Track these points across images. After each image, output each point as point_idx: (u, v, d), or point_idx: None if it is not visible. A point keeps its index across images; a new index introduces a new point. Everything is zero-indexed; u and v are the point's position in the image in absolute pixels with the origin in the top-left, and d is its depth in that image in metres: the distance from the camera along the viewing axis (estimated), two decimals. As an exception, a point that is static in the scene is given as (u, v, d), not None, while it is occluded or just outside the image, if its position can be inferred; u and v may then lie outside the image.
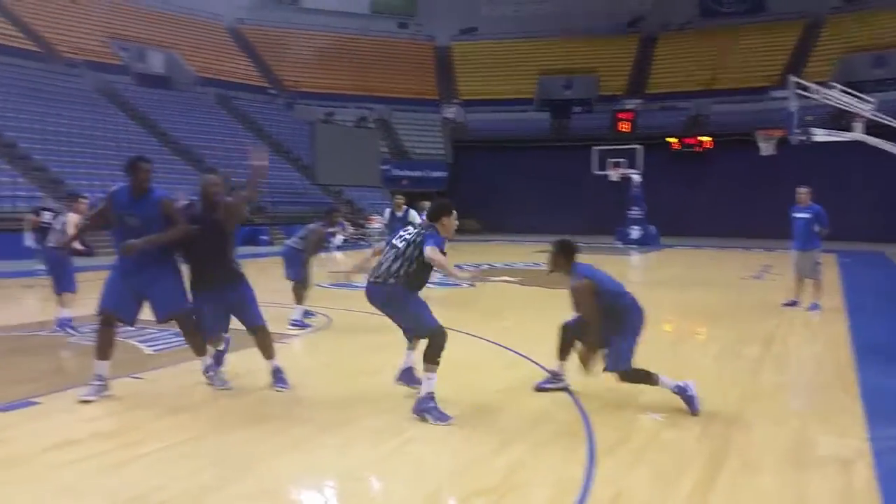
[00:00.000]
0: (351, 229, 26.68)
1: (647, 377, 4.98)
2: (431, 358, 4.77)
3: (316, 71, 37.86)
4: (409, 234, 5.03)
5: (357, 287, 12.92)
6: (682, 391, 4.90)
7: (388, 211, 11.47)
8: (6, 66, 26.88)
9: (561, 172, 31.19)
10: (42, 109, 25.30)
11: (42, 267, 9.64)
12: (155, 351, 6.92)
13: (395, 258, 4.87)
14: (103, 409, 4.90)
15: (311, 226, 8.82)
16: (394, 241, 5.08)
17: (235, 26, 40.06)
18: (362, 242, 26.90)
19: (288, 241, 9.00)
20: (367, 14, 42.41)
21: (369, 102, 36.96)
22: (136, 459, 4.01)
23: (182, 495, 3.52)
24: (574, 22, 39.12)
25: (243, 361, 6.44)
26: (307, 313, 8.59)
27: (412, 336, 5.22)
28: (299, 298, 8.43)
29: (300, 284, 8.43)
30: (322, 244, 8.84)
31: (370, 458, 4.06)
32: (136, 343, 7.17)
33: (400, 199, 11.21)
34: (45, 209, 13.19)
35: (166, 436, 4.35)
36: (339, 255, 22.53)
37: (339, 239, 25.24)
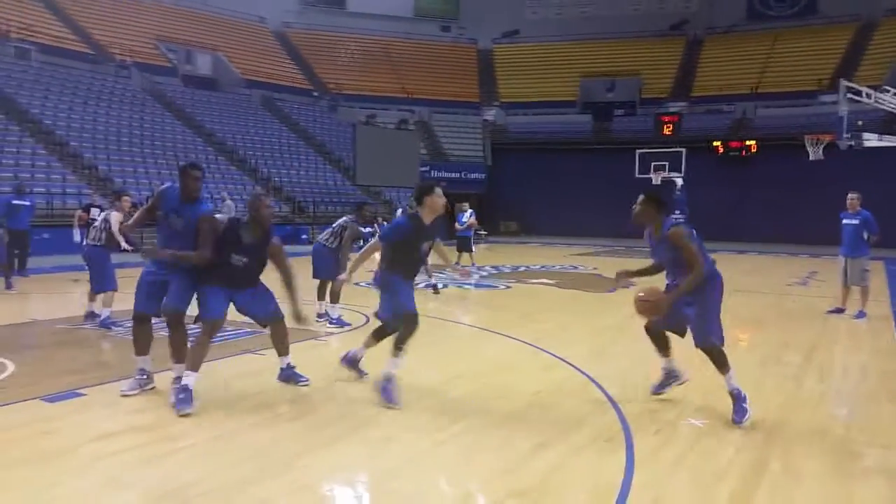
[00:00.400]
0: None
1: (725, 363, 4.81)
2: (399, 343, 5.12)
3: (359, 74, 38.22)
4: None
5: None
6: (739, 396, 4.76)
7: (399, 211, 11.90)
8: (60, 67, 27.77)
9: (602, 175, 30.89)
10: (92, 109, 26.08)
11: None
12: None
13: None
14: (144, 403, 5.00)
15: (341, 221, 8.66)
16: None
17: (281, 30, 40.73)
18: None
19: (319, 239, 8.80)
20: (411, 17, 42.70)
21: (410, 105, 37.20)
22: (175, 452, 4.08)
23: (219, 489, 3.57)
24: (617, 24, 38.81)
25: (293, 356, 6.51)
26: (321, 315, 8.47)
27: (391, 323, 5.43)
28: (336, 297, 8.33)
29: (336, 283, 8.03)
30: (358, 240, 8.59)
31: (405, 458, 4.07)
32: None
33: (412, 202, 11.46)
34: (93, 206, 13.54)
35: (204, 430, 4.42)
36: (376, 254, 22.67)
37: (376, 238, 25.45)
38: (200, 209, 5.12)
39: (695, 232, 5.03)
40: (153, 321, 5.27)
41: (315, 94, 37.70)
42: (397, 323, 5.27)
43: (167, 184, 5.44)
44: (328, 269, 8.21)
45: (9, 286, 11.60)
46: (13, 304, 10.49)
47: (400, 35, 41.44)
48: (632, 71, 37.06)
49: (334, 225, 8.63)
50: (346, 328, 8.20)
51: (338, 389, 5.53)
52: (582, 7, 41.05)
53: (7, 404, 4.89)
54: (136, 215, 5.72)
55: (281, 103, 35.08)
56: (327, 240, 8.46)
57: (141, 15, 34.27)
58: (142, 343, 5.23)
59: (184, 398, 4.73)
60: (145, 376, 5.23)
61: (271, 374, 5.67)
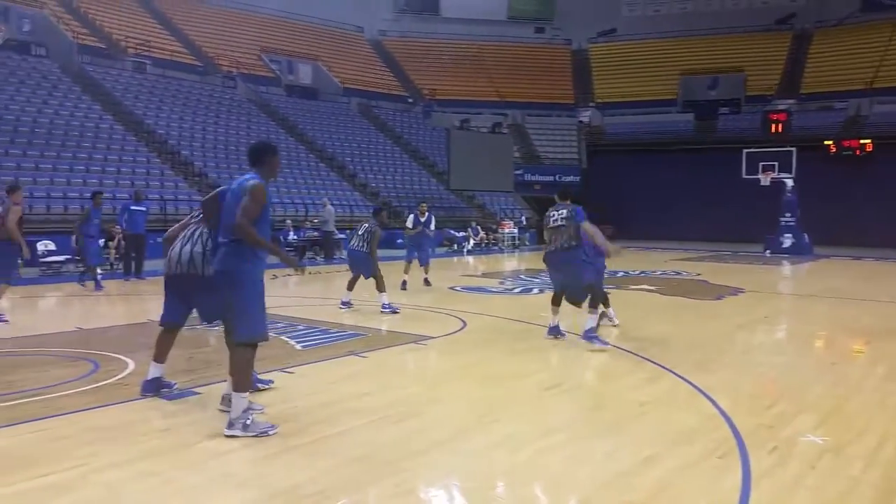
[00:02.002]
0: (482, 234, 26.88)
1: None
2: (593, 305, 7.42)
3: (453, 79, 38.52)
4: None
5: (490, 291, 13.00)
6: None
7: (412, 217, 13.36)
8: (172, 79, 29.42)
9: (705, 177, 29.77)
10: (202, 119, 27.46)
11: None
12: (303, 347, 7.25)
13: None
14: (258, 401, 5.14)
15: (367, 227, 10.00)
16: None
17: (377, 38, 41.66)
18: (494, 247, 27.01)
19: (352, 246, 10.20)
20: (505, 20, 42.68)
21: (504, 108, 37.13)
22: (288, 451, 4.18)
23: (330, 488, 3.64)
24: (718, 20, 37.40)
25: (385, 359, 6.63)
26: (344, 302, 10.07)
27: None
28: (382, 286, 9.73)
29: (378, 278, 9.71)
30: (379, 241, 10.05)
31: (509, 465, 4.02)
32: (287, 339, 7.56)
33: (424, 206, 13.49)
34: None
35: (315, 429, 4.52)
36: (470, 259, 22.74)
37: (470, 243, 25.52)
38: None
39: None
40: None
41: (410, 100, 38.27)
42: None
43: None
44: (367, 268, 9.87)
45: (98, 287, 12.29)
46: (132, 305, 11.16)
47: (493, 38, 41.49)
48: (735, 67, 35.58)
49: (361, 231, 10.05)
50: (398, 315, 9.44)
51: (441, 394, 5.55)
52: (681, 3, 39.81)
53: (128, 401, 5.18)
54: None
55: (377, 110, 35.83)
56: (360, 246, 9.90)
57: (246, 28, 35.81)
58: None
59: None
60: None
61: (375, 376, 5.75)
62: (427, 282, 13.23)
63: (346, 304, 10.07)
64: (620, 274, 16.07)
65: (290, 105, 32.73)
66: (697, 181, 30.11)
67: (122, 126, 24.23)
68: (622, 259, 11.93)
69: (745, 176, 25.63)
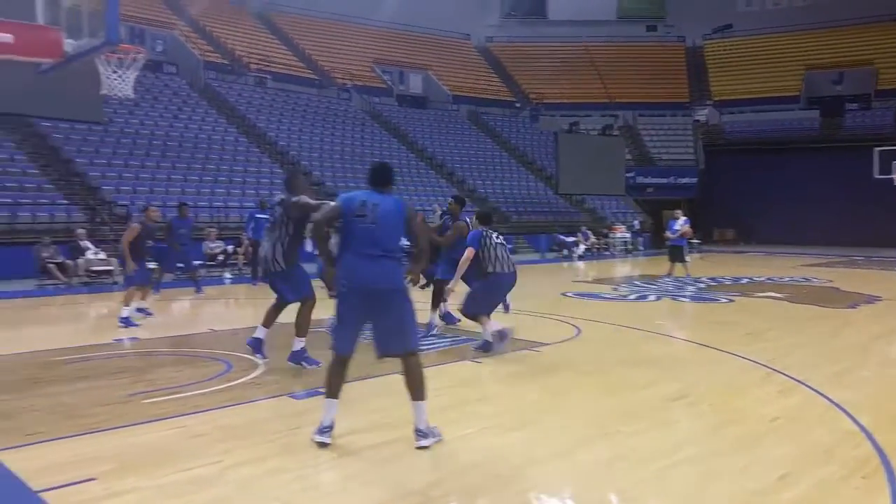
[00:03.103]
0: (592, 238, 26.38)
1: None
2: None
3: (561, 81, 38.16)
4: None
5: (604, 297, 12.74)
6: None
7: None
8: (291, 93, 30.83)
9: (833, 177, 27.99)
10: (319, 130, 28.60)
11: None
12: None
13: None
14: (385, 402, 5.25)
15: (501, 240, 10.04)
16: None
17: (484, 44, 41.91)
18: (605, 252, 26.47)
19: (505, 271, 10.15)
20: (614, 20, 41.88)
21: (615, 109, 36.38)
22: (416, 453, 4.25)
23: (457, 491, 3.69)
24: (844, 11, 35.05)
25: (499, 365, 6.63)
26: None
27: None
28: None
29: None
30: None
31: (633, 479, 3.91)
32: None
33: (437, 210, 13.27)
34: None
35: (440, 432, 4.53)
36: (580, 264, 22.40)
37: (580, 248, 25.11)
38: None
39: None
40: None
41: (517, 104, 38.23)
42: None
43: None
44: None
45: (199, 290, 12.93)
46: (258, 308, 11.70)
47: (603, 39, 40.78)
48: (863, 60, 33.30)
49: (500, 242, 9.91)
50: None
51: (559, 402, 5.49)
52: (803, -6, 37.75)
53: (261, 399, 5.46)
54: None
55: (485, 116, 36.02)
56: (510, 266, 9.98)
57: (359, 40, 36.94)
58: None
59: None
60: None
61: (490, 382, 5.77)
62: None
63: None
64: (745, 280, 15.36)
65: (401, 114, 33.51)
66: (824, 182, 28.35)
67: (246, 138, 25.60)
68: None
69: (877, 176, 23.91)
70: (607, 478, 3.94)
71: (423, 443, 4.32)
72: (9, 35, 5.49)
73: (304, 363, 6.40)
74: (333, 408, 4.43)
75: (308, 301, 6.52)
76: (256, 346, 6.69)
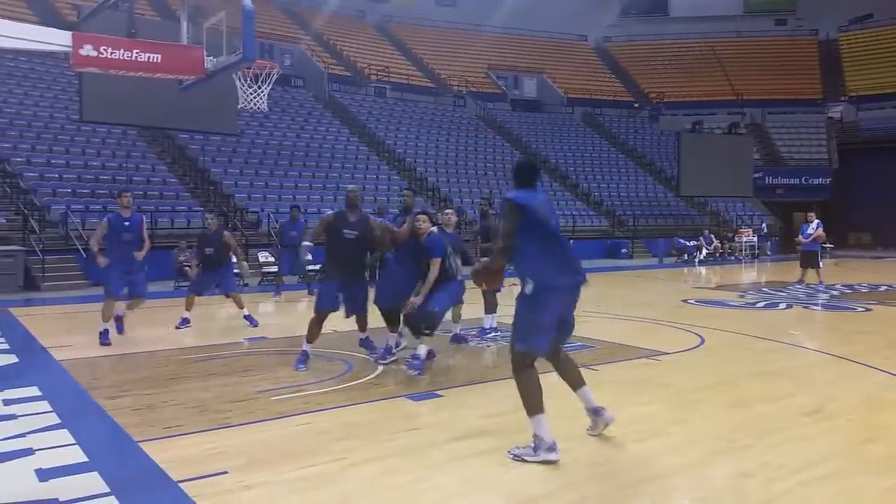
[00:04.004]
0: (716, 242, 25.22)
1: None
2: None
3: (683, 80, 36.90)
4: None
5: (729, 305, 12.19)
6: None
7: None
8: (408, 101, 31.62)
9: None
10: (435, 137, 29.12)
11: None
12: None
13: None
14: (497, 408, 5.25)
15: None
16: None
17: (602, 45, 41.18)
18: (730, 257, 25.28)
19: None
20: (741, 15, 40.06)
21: (741, 107, 34.73)
22: (526, 462, 4.18)
23: (577, 501, 3.63)
24: None
25: (618, 373, 6.49)
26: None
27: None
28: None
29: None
30: None
31: (764, 497, 3.68)
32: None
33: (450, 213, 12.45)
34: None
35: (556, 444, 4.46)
36: (702, 270, 21.50)
37: (702, 253, 24.10)
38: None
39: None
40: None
41: (635, 105, 37.25)
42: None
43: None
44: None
45: (277, 293, 13.27)
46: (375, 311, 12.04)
47: (728, 34, 39.10)
48: None
49: None
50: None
51: (684, 414, 5.28)
52: (958, -24, 34.50)
53: (380, 400, 5.61)
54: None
55: (601, 118, 35.36)
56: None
57: (474, 47, 37.29)
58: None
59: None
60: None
61: (610, 391, 5.63)
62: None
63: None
64: (883, 288, 14.24)
65: (515, 119, 33.51)
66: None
67: (367, 147, 26.47)
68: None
69: None
70: (736, 494, 3.76)
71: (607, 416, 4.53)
72: (157, 55, 5.95)
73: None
74: (544, 422, 4.19)
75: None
76: (368, 345, 7.16)
